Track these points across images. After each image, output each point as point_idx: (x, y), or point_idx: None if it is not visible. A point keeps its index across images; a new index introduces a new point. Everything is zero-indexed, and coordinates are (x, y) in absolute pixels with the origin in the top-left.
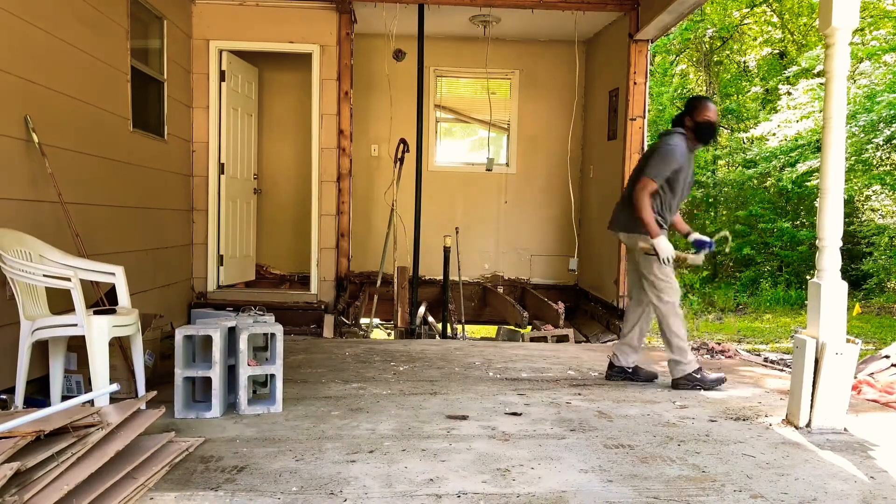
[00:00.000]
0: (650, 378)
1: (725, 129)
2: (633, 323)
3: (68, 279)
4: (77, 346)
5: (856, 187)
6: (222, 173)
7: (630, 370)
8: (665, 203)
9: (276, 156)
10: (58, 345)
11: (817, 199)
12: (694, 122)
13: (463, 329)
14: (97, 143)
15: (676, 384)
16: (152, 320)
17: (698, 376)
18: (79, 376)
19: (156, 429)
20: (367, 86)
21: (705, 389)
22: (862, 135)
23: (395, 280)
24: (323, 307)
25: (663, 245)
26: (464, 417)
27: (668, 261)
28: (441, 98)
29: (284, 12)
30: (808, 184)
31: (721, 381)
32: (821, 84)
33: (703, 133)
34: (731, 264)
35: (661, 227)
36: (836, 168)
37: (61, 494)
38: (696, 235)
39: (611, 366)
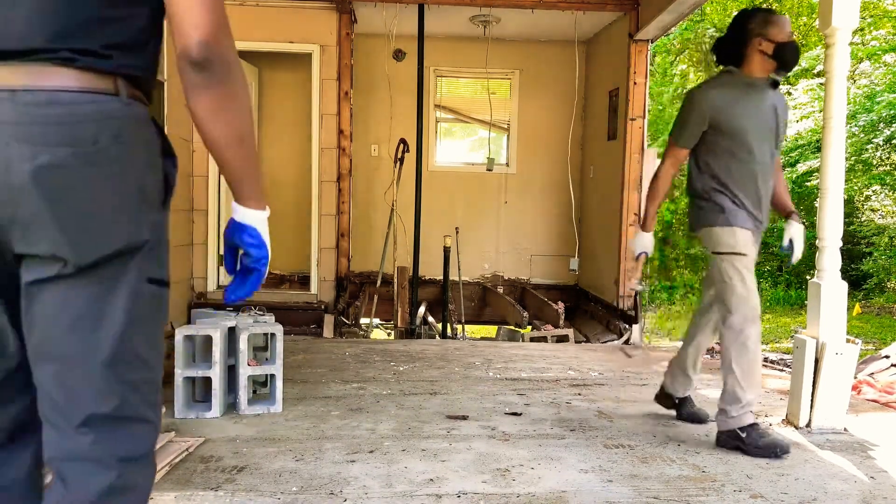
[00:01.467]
0: (696, 419)
1: None
2: (691, 338)
3: None
4: None
5: (856, 187)
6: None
7: (677, 400)
8: (726, 171)
9: (276, 156)
10: None
11: (817, 199)
12: (775, 44)
13: (463, 329)
14: None
15: (718, 439)
16: None
17: (744, 435)
18: None
19: None
20: (367, 86)
21: (748, 454)
22: (862, 135)
23: (395, 280)
24: (323, 307)
25: (639, 238)
26: (464, 417)
27: (634, 255)
28: (441, 98)
29: (284, 12)
30: (808, 184)
31: (775, 450)
32: (821, 84)
33: (788, 56)
34: None
35: (737, 207)
36: (836, 168)
37: None
38: (793, 229)
39: (661, 390)
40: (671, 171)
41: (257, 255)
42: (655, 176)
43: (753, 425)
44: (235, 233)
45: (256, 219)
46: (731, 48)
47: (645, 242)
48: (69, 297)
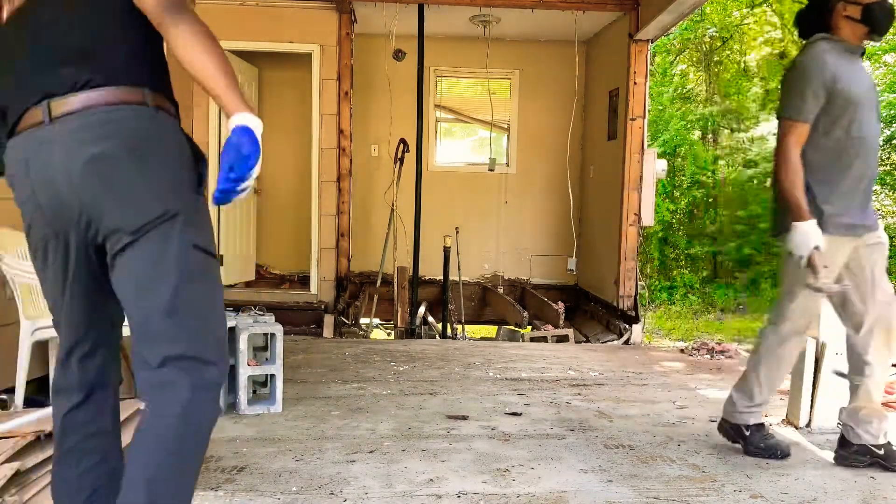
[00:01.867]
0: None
1: (725, 128)
2: (858, 363)
3: None
4: None
5: None
6: None
7: (880, 450)
8: (835, 154)
9: (276, 156)
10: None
11: None
12: (862, 6)
13: (463, 329)
14: None
15: (720, 426)
16: None
17: (748, 434)
18: None
19: None
20: (367, 86)
21: (748, 454)
22: None
23: (395, 280)
24: (323, 307)
25: (800, 232)
26: (464, 417)
27: (802, 261)
28: (441, 98)
29: (284, 12)
30: None
31: (776, 453)
32: None
33: (879, 17)
34: (731, 264)
35: (832, 208)
36: None
37: None
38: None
39: (844, 442)
40: (797, 151)
41: (249, 149)
42: (785, 163)
43: (760, 426)
44: (234, 133)
45: (252, 121)
46: (813, 19)
47: (812, 234)
48: (134, 260)
